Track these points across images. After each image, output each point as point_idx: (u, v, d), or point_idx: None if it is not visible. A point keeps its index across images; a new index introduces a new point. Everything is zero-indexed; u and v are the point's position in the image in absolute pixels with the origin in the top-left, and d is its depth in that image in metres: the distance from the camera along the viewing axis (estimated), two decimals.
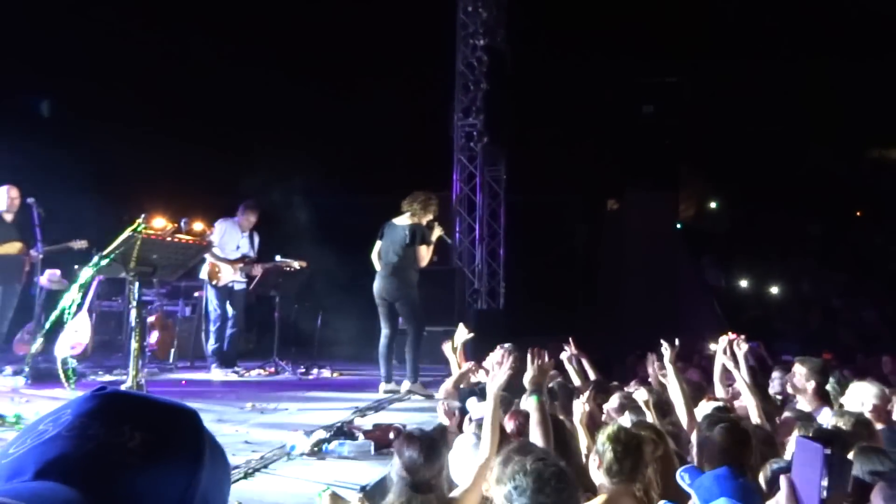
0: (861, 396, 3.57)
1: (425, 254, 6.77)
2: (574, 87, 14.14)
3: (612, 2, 13.54)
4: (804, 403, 4.07)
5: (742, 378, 3.94)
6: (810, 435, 2.75)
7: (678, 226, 17.00)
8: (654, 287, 13.98)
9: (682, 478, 2.39)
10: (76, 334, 7.01)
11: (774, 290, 19.35)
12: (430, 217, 6.83)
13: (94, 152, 9.94)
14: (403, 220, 6.79)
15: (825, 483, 1.57)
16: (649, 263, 14.50)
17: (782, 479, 1.62)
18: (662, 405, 3.83)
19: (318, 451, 4.22)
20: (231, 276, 7.79)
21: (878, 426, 3.37)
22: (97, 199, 9.00)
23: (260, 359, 8.57)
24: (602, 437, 2.63)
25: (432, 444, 2.68)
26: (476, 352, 7.18)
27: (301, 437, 4.30)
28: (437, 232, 6.90)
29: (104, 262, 4.28)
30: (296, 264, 7.96)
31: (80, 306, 6.68)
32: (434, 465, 2.62)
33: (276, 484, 3.66)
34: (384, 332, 6.98)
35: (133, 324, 4.43)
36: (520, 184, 12.74)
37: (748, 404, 3.73)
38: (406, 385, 6.81)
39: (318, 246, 9.22)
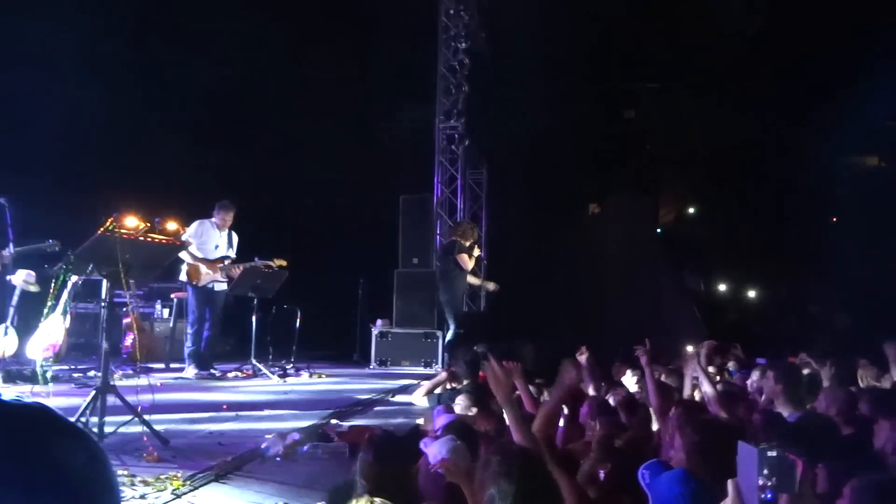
0: (827, 400, 3.62)
1: (466, 260, 9.03)
2: (555, 91, 14.20)
3: (594, 5, 13.62)
4: (779, 407, 4.12)
5: (708, 382, 3.99)
6: (756, 437, 2.79)
7: (658, 231, 17.14)
8: (635, 291, 14.06)
9: (643, 476, 2.38)
10: (49, 336, 6.93)
11: (752, 294, 19.57)
12: (471, 239, 9.22)
13: (66, 151, 9.81)
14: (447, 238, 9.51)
15: (762, 484, 1.58)
16: (630, 268, 14.58)
17: (729, 484, 1.63)
18: (631, 405, 3.86)
19: (292, 453, 4.20)
20: (211, 277, 7.71)
21: (846, 428, 3.42)
22: (69, 198, 8.89)
23: (237, 361, 8.51)
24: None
25: (391, 446, 2.65)
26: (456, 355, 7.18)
27: (276, 439, 4.28)
28: (476, 250, 9.33)
29: (76, 263, 4.22)
30: (275, 264, 7.89)
31: (53, 308, 6.59)
32: (391, 468, 2.58)
33: (250, 485, 3.64)
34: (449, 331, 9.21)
35: (104, 324, 4.37)
36: (501, 187, 12.77)
37: (712, 403, 3.78)
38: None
39: (296, 247, 9.17)
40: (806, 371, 5.20)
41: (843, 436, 3.39)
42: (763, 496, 1.59)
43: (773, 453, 1.63)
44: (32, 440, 0.70)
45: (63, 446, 0.72)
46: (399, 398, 6.81)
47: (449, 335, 9.28)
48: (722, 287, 19.91)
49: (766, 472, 1.61)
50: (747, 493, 1.64)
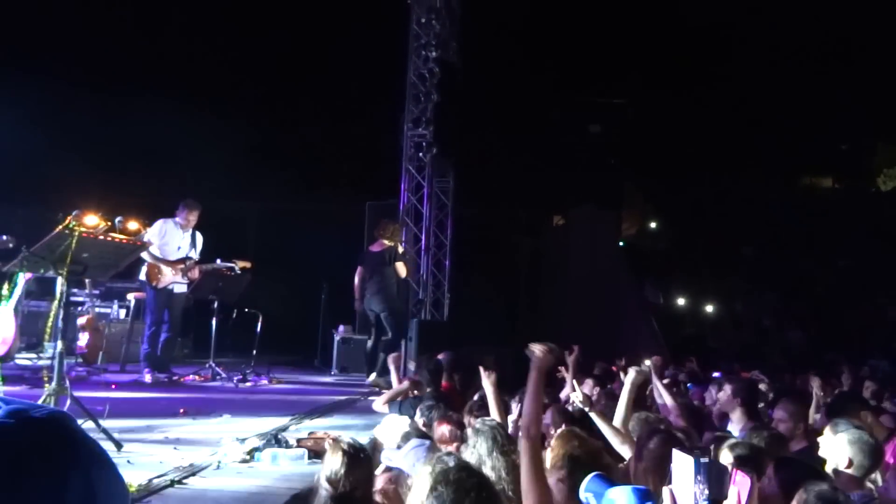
0: (781, 415, 3.72)
1: (402, 268, 8.61)
2: (524, 103, 14.36)
3: (564, 23, 13.83)
4: (735, 421, 4.21)
5: (667, 395, 4.07)
6: (694, 450, 2.85)
7: (620, 243, 17.40)
8: (596, 302, 14.24)
9: (587, 500, 2.29)
10: None
11: (709, 308, 19.98)
12: (397, 240, 8.77)
13: (23, 146, 9.55)
14: (378, 247, 8.58)
15: (700, 490, 1.62)
16: (591, 279, 14.77)
17: (665, 491, 1.67)
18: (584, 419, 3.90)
19: (250, 459, 4.14)
20: (171, 279, 7.54)
21: (797, 442, 3.52)
22: (24, 194, 8.66)
23: (195, 364, 8.35)
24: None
25: (356, 455, 2.66)
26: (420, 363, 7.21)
27: (234, 444, 4.22)
28: (400, 249, 8.75)
29: (31, 260, 4.12)
30: (238, 266, 7.75)
31: (5, 305, 6.40)
32: (355, 476, 2.58)
33: (207, 492, 3.58)
34: (371, 338, 8.69)
35: (59, 324, 4.26)
36: (467, 196, 12.83)
37: (674, 415, 3.86)
38: (372, 377, 8.17)
39: (261, 251, 9.08)
40: (761, 386, 5.33)
41: (796, 451, 3.49)
42: (699, 502, 1.63)
43: (705, 460, 1.67)
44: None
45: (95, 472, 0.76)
46: (359, 405, 6.77)
47: (370, 343, 8.69)
48: (680, 301, 20.29)
49: (700, 479, 1.65)
50: (683, 501, 1.67)
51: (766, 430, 3.40)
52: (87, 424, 4.11)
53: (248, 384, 7.74)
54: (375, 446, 3.68)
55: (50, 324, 4.16)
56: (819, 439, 3.06)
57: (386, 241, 8.57)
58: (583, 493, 2.32)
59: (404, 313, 9.12)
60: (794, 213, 19.21)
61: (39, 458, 0.72)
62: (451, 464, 2.11)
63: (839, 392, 5.36)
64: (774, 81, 16.16)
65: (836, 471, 2.92)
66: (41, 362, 7.65)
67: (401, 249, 8.77)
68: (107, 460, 0.79)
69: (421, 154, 11.78)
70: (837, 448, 2.91)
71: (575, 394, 4.18)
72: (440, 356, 5.40)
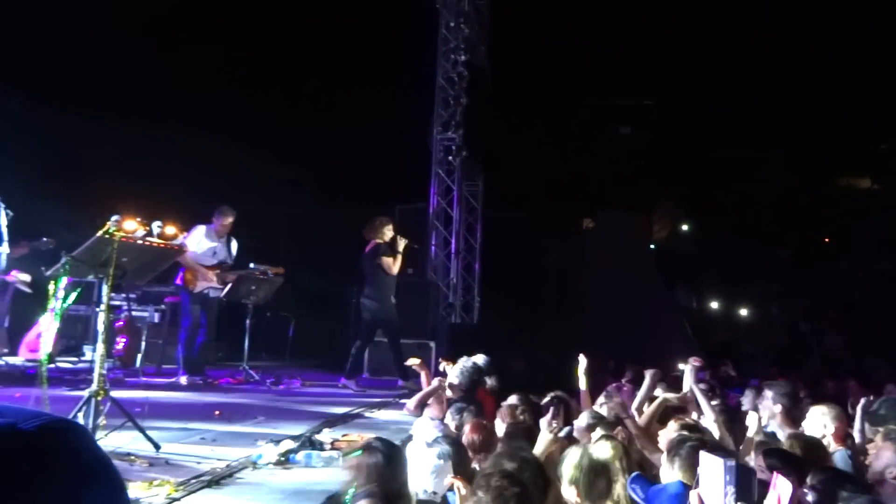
0: (821, 419, 3.64)
1: (391, 263, 8.02)
2: (552, 105, 14.31)
3: (593, 23, 13.75)
4: (775, 426, 4.13)
5: (703, 400, 4.02)
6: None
7: (651, 246, 17.21)
8: (626, 306, 14.10)
9: (634, 490, 2.40)
10: (40, 338, 6.89)
11: (743, 312, 19.65)
12: (390, 234, 8.14)
13: (63, 152, 9.79)
14: (368, 247, 8.11)
15: (730, 492, 1.61)
16: (621, 282, 14.63)
17: (691, 495, 1.66)
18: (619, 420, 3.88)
19: (284, 460, 4.18)
20: (207, 283, 7.68)
21: (836, 448, 3.44)
22: (65, 199, 8.85)
23: (230, 367, 8.45)
24: (569, 464, 2.65)
25: (391, 453, 2.67)
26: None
27: (268, 446, 4.26)
28: (402, 243, 8.11)
29: (73, 265, 4.21)
30: (271, 271, 7.89)
31: (46, 309, 6.55)
32: (391, 474, 2.60)
33: (242, 493, 3.62)
34: (359, 341, 8.44)
35: (100, 328, 4.35)
36: (497, 199, 12.82)
37: (710, 423, 3.80)
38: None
39: (293, 256, 9.17)
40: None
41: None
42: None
43: (732, 463, 1.66)
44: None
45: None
46: (391, 408, 6.79)
47: (357, 347, 8.42)
48: (713, 305, 19.99)
49: (728, 482, 1.64)
50: (711, 502, 1.66)
51: (806, 437, 3.33)
52: (126, 426, 4.19)
53: (282, 386, 7.83)
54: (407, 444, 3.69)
55: (102, 329, 4.23)
56: (869, 446, 2.99)
57: (377, 240, 8.17)
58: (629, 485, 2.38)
59: (390, 322, 8.39)
60: (831, 214, 18.82)
61: (25, 477, 0.67)
62: (499, 470, 2.12)
63: (885, 398, 5.22)
64: (809, 79, 15.87)
65: (880, 480, 2.85)
66: (80, 365, 7.83)
67: (401, 244, 8.13)
68: (106, 475, 0.74)
69: (450, 157, 11.81)
70: (891, 456, 2.84)
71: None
72: (478, 359, 5.37)
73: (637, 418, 4.00)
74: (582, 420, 4.22)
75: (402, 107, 12.16)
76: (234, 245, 7.95)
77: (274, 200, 11.92)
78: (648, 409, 4.26)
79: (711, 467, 1.78)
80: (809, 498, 2.72)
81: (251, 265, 7.88)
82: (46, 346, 6.28)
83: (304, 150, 12.18)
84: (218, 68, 11.75)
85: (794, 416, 3.87)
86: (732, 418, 4.07)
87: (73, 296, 4.67)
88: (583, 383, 5.29)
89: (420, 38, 11.86)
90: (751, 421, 4.00)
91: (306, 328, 9.27)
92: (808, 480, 2.66)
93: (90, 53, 10.44)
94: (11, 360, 7.07)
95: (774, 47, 15.38)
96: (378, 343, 9.85)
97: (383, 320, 8.32)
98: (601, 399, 5.19)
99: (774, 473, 2.40)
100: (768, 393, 4.04)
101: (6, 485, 0.66)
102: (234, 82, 12.12)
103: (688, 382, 4.44)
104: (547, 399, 4.71)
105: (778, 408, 3.86)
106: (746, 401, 5.58)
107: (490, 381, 5.89)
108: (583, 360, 5.24)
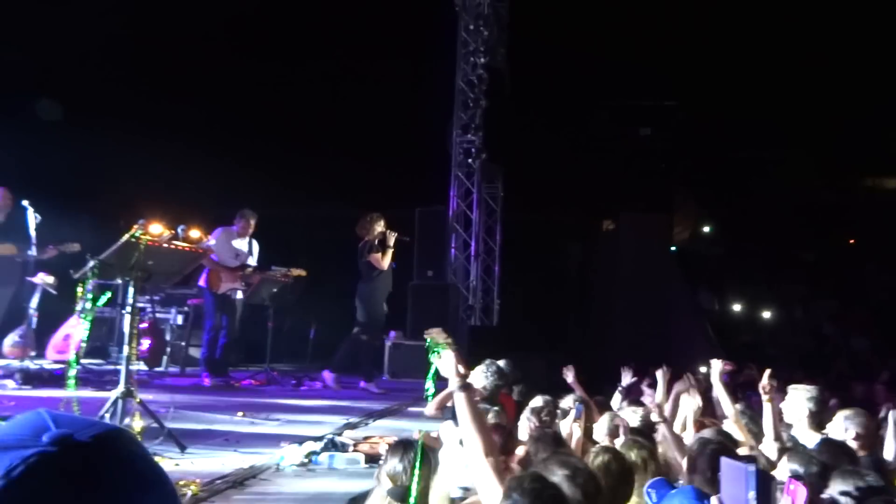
0: (846, 424, 3.59)
1: (379, 258, 8.03)
2: (572, 107, 14.26)
3: (612, 25, 13.69)
4: (798, 430, 4.07)
5: (728, 403, 3.98)
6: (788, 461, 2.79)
7: (672, 248, 17.07)
8: (647, 308, 13.99)
9: (649, 495, 2.40)
10: (67, 339, 7.01)
11: (767, 315, 19.41)
12: (379, 230, 8.07)
13: (88, 156, 9.94)
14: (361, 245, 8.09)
15: (752, 497, 1.61)
16: (642, 285, 14.51)
17: (713, 500, 1.66)
18: (649, 426, 3.85)
19: (307, 462, 4.22)
20: (231, 285, 7.78)
21: (862, 454, 3.39)
22: (90, 203, 8.99)
23: (251, 369, 8.53)
24: (594, 467, 2.64)
25: (427, 451, 2.69)
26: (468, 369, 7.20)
27: (292, 447, 4.30)
28: (392, 237, 8.08)
29: (101, 268, 4.29)
30: (294, 273, 7.96)
31: (73, 311, 6.67)
32: (428, 471, 2.61)
33: (267, 493, 3.66)
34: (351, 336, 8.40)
35: (126, 330, 4.42)
36: (516, 201, 12.80)
37: (735, 428, 3.77)
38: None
39: (314, 258, 9.23)
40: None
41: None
42: None
43: (753, 469, 1.66)
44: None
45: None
46: (411, 410, 6.81)
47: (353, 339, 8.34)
48: (736, 307, 19.77)
49: (749, 488, 1.64)
50: None
51: (834, 443, 3.28)
52: (152, 428, 4.26)
53: (304, 388, 7.88)
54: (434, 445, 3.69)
55: (128, 331, 4.30)
56: None
57: (366, 237, 8.09)
58: (646, 489, 2.39)
59: (374, 322, 8.34)
60: (856, 214, 18.53)
61: (84, 489, 0.68)
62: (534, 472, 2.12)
63: None
64: (833, 78, 15.66)
65: None
66: (107, 366, 7.94)
67: (391, 238, 8.05)
68: (159, 482, 0.75)
69: (470, 160, 11.83)
70: None
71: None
72: (501, 363, 5.36)
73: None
74: (603, 423, 4.20)
75: (422, 110, 12.19)
76: (256, 247, 8.02)
77: (294, 203, 12.00)
78: (682, 415, 4.22)
79: (733, 473, 1.78)
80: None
81: (273, 267, 7.95)
82: (74, 347, 6.40)
83: (324, 154, 12.25)
84: (240, 76, 11.87)
85: (820, 420, 3.82)
86: (754, 421, 4.02)
87: (104, 299, 4.75)
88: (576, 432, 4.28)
89: (440, 40, 11.89)
90: (689, 403, 4.00)
91: (327, 330, 9.31)
92: (831, 486, 2.64)
93: (117, 66, 10.64)
94: (39, 361, 7.19)
95: (797, 45, 15.20)
96: (398, 345, 9.90)
97: (371, 318, 8.27)
98: (623, 403, 5.16)
99: (789, 478, 2.38)
100: (794, 396, 3.99)
101: (66, 498, 0.67)
102: (255, 89, 12.23)
103: (714, 382, 4.40)
104: (568, 400, 4.70)
105: (804, 411, 3.81)
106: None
107: (516, 389, 5.90)
108: (573, 413, 3.96)
